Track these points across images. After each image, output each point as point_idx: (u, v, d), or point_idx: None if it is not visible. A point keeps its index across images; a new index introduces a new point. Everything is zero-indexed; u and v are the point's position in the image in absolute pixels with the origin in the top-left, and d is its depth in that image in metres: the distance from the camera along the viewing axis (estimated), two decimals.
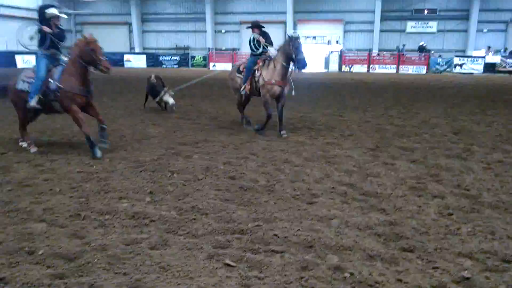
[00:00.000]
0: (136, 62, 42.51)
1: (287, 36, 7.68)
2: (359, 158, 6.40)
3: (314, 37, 38.99)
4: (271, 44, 8.29)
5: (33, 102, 6.17)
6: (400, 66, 35.58)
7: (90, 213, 4.13)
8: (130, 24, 46.60)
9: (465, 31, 38.66)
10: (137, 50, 45.51)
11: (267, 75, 7.88)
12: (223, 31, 44.87)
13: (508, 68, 33.43)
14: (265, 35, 8.36)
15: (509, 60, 33.96)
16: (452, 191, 4.87)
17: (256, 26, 8.39)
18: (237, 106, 8.89)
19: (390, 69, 35.90)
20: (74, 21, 48.40)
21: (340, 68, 36.99)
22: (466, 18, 38.43)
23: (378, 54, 38.09)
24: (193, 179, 5.27)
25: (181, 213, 4.19)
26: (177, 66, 41.58)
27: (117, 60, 42.74)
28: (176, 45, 46.05)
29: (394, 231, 3.79)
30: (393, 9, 39.98)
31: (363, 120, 9.82)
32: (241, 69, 8.50)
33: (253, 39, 8.23)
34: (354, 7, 41.01)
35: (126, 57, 42.92)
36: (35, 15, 7.04)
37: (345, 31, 41.68)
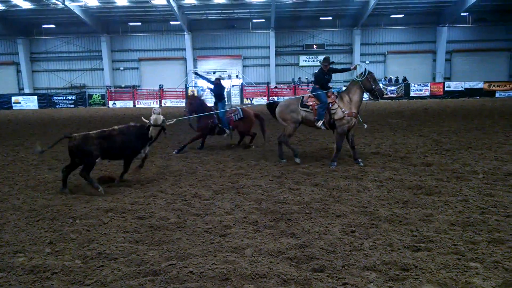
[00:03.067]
0: (27, 103, 39.62)
1: (364, 70, 8.36)
2: (266, 186, 6.60)
3: (214, 72, 39.85)
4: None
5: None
6: None
7: None
8: (18, 64, 43.38)
9: (350, 63, 42.54)
10: (27, 91, 42.35)
11: (346, 107, 8.17)
12: (121, 68, 43.84)
13: (389, 95, 37.50)
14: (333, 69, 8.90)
15: (389, 88, 38.16)
16: (353, 210, 5.23)
17: (329, 62, 8.64)
18: (286, 138, 8.68)
19: None
20: None
21: (241, 101, 38.14)
22: (350, 51, 42.45)
23: (276, 87, 40.10)
24: (98, 223, 4.97)
25: (87, 261, 3.92)
26: (73, 106, 39.50)
27: (3, 102, 39.39)
28: (71, 84, 43.81)
29: (304, 253, 3.94)
30: (286, 45, 42.71)
31: (268, 150, 10.18)
32: (306, 103, 8.51)
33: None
34: (251, 43, 43.02)
35: (14, 98, 39.85)
36: None
37: (244, 66, 43.35)
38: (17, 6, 36.35)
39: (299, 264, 3.76)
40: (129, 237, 4.49)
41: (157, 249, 4.15)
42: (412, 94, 38.07)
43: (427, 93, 37.93)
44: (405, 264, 3.64)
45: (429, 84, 38.67)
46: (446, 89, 38.03)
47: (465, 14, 39.68)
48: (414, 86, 38.50)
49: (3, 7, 36.77)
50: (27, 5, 36.12)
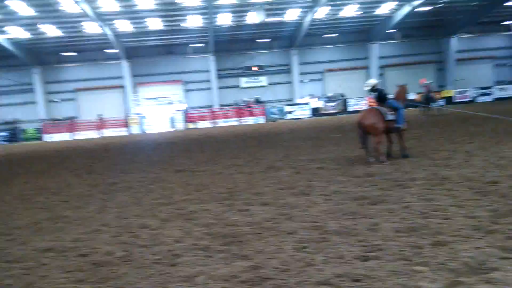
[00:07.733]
0: None
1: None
2: (216, 209, 6.49)
3: (156, 99, 39.32)
4: None
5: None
6: (241, 118, 38.15)
7: None
8: None
9: (290, 82, 43.75)
10: None
11: None
12: (58, 100, 42.07)
13: (330, 111, 39.00)
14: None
15: (329, 104, 39.67)
16: (303, 226, 5.25)
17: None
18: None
19: (232, 121, 38.16)
20: None
21: (186, 126, 37.84)
22: (289, 71, 43.69)
23: (220, 110, 40.28)
24: (36, 265, 4.61)
25: None
26: (7, 142, 37.18)
27: None
28: (3, 120, 41.35)
29: (258, 275, 3.88)
30: (226, 68, 43.17)
31: (215, 172, 10.07)
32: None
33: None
34: (191, 67, 43.06)
35: None
36: None
37: (186, 90, 43.17)
38: None
39: (253, 286, 3.69)
40: (71, 277, 4.20)
41: (102, 287, 3.91)
42: (350, 109, 39.66)
43: (365, 107, 39.66)
44: (356, 275, 3.68)
45: (366, 99, 40.51)
46: None
47: (393, 31, 42.36)
48: (351, 101, 40.16)
49: None
50: None
